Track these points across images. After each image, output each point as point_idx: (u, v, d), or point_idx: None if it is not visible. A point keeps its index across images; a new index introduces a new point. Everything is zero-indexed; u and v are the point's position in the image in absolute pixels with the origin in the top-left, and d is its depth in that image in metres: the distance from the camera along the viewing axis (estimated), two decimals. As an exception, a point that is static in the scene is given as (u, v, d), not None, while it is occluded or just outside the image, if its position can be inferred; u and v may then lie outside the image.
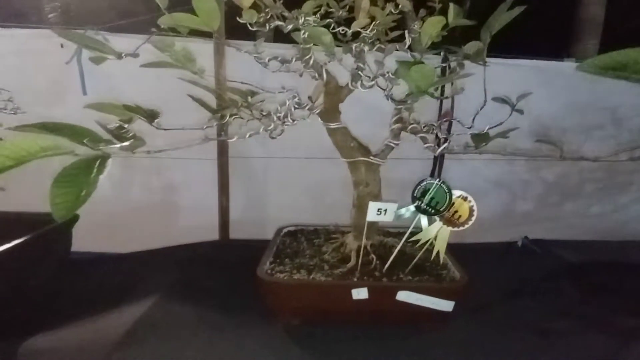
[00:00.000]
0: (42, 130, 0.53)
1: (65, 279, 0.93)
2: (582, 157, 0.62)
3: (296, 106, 0.75)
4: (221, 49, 1.13)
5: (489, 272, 0.95)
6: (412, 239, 0.76)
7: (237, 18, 0.68)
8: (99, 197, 0.52)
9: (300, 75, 0.77)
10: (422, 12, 0.76)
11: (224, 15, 0.97)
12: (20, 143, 0.46)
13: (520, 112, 0.78)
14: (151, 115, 0.72)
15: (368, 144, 0.84)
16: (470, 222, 0.73)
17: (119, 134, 0.61)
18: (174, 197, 1.30)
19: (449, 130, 1.05)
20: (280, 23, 0.68)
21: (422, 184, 0.72)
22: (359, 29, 0.67)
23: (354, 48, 0.73)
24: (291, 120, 0.72)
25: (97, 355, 0.64)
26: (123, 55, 0.69)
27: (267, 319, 0.74)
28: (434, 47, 0.75)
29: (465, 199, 0.73)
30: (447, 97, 1.14)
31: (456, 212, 0.73)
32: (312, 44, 0.69)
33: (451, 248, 0.79)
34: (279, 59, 0.74)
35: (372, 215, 0.72)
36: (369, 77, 0.68)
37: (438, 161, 1.36)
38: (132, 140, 0.57)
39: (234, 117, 0.77)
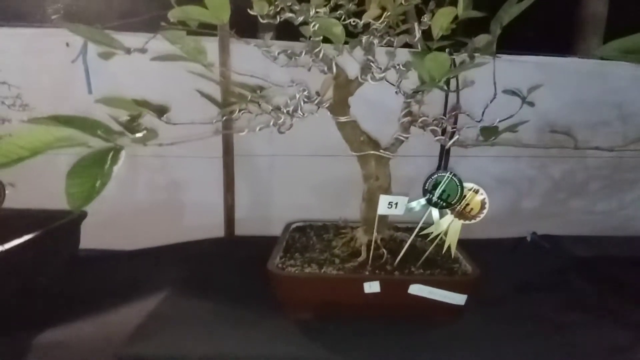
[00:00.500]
0: (55, 122, 0.53)
1: (74, 275, 0.93)
2: (598, 147, 0.61)
3: (305, 100, 0.74)
4: (226, 47, 1.13)
5: (499, 267, 0.94)
6: (423, 232, 0.76)
7: (248, 10, 0.67)
8: (105, 195, 0.51)
9: (309, 69, 0.77)
10: (432, 4, 0.76)
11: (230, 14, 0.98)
12: (35, 133, 0.46)
13: (532, 104, 0.77)
14: (160, 110, 0.72)
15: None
16: (482, 215, 0.72)
17: (130, 127, 0.61)
18: (180, 195, 1.30)
19: (456, 124, 1.05)
20: (290, 15, 0.67)
21: (433, 177, 0.72)
22: (369, 20, 0.66)
23: (363, 41, 0.73)
24: (301, 114, 0.72)
25: (109, 349, 0.63)
26: (132, 49, 0.69)
27: (279, 313, 0.73)
28: (443, 39, 0.75)
29: (476, 191, 0.72)
30: (453, 91, 1.14)
31: (467, 205, 0.72)
32: (321, 37, 0.69)
33: (460, 243, 0.78)
34: (288, 52, 0.74)
35: (383, 208, 0.72)
36: (380, 68, 0.67)
37: (444, 158, 1.35)
38: (144, 132, 0.57)
39: (242, 111, 0.77)
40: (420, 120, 0.76)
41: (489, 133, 0.76)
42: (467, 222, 0.73)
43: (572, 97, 1.29)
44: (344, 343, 0.67)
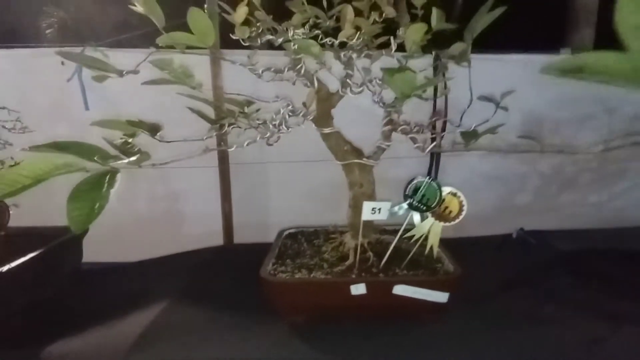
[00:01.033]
0: (54, 149, 0.57)
1: (78, 288, 0.97)
2: (561, 150, 0.65)
3: (290, 114, 0.78)
4: (217, 61, 1.18)
5: (485, 264, 0.98)
6: (407, 235, 0.80)
7: (230, 35, 0.72)
8: (105, 209, 0.56)
9: (293, 83, 0.81)
10: (407, 18, 0.80)
11: (218, 25, 1.02)
12: (37, 163, 0.50)
13: (505, 109, 0.81)
14: (153, 129, 0.76)
15: (363, 145, 0.88)
16: (461, 217, 0.76)
17: (125, 149, 0.65)
18: (178, 206, 1.34)
19: (443, 129, 1.08)
20: (271, 37, 0.72)
21: (413, 182, 0.76)
22: (345, 39, 0.70)
23: (342, 56, 0.78)
24: (286, 128, 0.76)
25: (115, 358, 0.68)
26: (124, 72, 0.74)
27: (274, 317, 0.77)
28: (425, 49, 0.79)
29: (454, 194, 0.76)
30: (438, 97, 1.18)
31: (447, 207, 0.76)
32: (302, 55, 0.74)
33: (449, 242, 0.83)
34: (272, 69, 0.78)
35: (367, 214, 0.76)
36: (357, 84, 0.71)
37: (434, 159, 1.39)
38: (138, 155, 0.61)
39: (232, 126, 0.81)
40: (400, 128, 0.80)
41: (469, 136, 0.80)
42: (447, 224, 0.77)
43: (557, 94, 1.33)
44: (334, 344, 0.71)
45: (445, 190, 0.76)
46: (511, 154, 1.42)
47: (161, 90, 0.90)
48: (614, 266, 0.97)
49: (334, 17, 0.78)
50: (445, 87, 1.12)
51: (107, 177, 0.56)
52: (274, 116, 0.78)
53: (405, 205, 0.77)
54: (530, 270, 0.98)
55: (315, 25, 0.79)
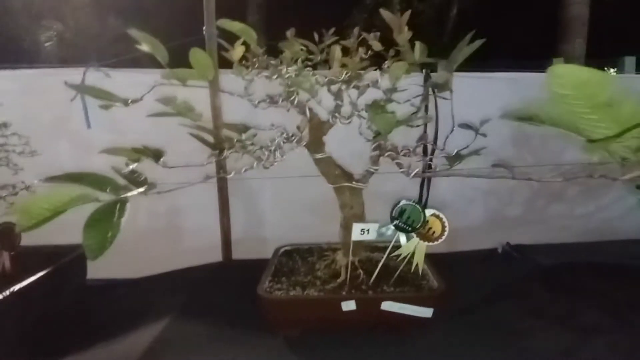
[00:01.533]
0: (68, 180, 0.63)
1: (83, 303, 1.02)
2: (530, 177, 0.71)
3: (285, 141, 0.84)
4: (216, 92, 1.24)
5: (470, 279, 1.04)
6: (394, 253, 0.86)
7: (229, 70, 0.78)
8: None
9: (288, 110, 0.87)
10: (392, 52, 0.87)
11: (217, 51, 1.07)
12: (55, 196, 0.56)
13: (484, 135, 0.87)
14: (157, 155, 0.82)
15: (360, 158, 0.93)
16: (444, 237, 0.82)
17: (132, 178, 0.71)
18: (178, 221, 1.39)
19: (427, 152, 1.15)
20: (266, 74, 0.78)
21: (398, 205, 0.82)
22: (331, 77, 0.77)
23: (332, 88, 0.84)
24: (280, 156, 0.82)
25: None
26: (129, 102, 0.80)
27: (270, 332, 0.82)
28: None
29: (437, 216, 0.82)
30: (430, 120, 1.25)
31: (430, 228, 0.82)
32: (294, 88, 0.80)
33: (438, 256, 0.88)
34: (267, 101, 0.84)
35: (356, 235, 0.82)
36: (345, 116, 0.78)
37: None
38: (146, 185, 0.67)
39: (230, 151, 0.87)
40: (386, 154, 0.86)
41: (454, 159, 0.86)
42: (430, 243, 0.83)
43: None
44: (326, 356, 0.76)
45: (429, 212, 0.82)
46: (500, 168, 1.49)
47: (163, 109, 0.96)
48: (592, 280, 1.03)
49: (324, 52, 0.85)
50: (427, 115, 1.19)
51: (118, 206, 0.62)
52: (270, 143, 0.84)
53: (392, 227, 0.82)
54: (513, 285, 1.04)
55: (307, 59, 0.85)
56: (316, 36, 0.85)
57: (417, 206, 0.81)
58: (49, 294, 0.97)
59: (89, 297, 1.07)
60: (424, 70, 1.24)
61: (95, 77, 1.23)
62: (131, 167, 0.76)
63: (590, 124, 0.38)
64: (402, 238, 0.84)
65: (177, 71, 0.76)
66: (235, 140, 0.86)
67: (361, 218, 0.89)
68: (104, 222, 0.57)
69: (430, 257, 0.87)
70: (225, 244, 1.39)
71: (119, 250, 1.20)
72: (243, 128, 0.88)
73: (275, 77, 0.77)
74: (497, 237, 1.40)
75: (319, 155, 0.88)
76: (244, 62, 0.81)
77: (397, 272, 0.85)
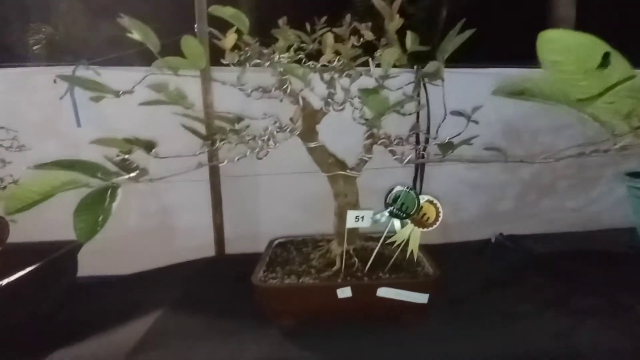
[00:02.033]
0: (58, 167, 0.62)
1: (75, 300, 1.00)
2: (522, 160, 0.72)
3: (278, 130, 0.84)
4: (208, 79, 1.24)
5: (465, 268, 1.05)
6: (389, 241, 0.86)
7: (221, 60, 0.78)
8: None
9: (281, 100, 0.87)
10: (384, 40, 0.87)
11: (209, 46, 1.07)
12: (45, 180, 0.55)
13: (476, 122, 0.88)
14: (149, 146, 0.81)
15: (354, 150, 0.92)
16: (438, 223, 0.82)
17: (123, 166, 0.70)
18: (170, 219, 1.38)
19: (419, 141, 1.15)
20: (258, 61, 0.78)
21: (392, 192, 0.82)
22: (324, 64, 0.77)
23: (324, 76, 0.84)
24: (274, 144, 0.81)
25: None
26: (120, 93, 0.79)
27: (265, 322, 0.82)
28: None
29: (431, 202, 0.83)
30: (414, 113, 1.26)
31: (425, 214, 0.82)
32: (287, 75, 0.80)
33: (433, 247, 0.88)
34: (260, 89, 0.84)
35: (351, 222, 0.82)
36: (338, 102, 0.78)
37: (419, 168, 1.46)
38: (137, 171, 0.66)
39: (223, 142, 0.86)
40: (380, 141, 0.86)
41: (446, 148, 0.86)
42: (425, 229, 0.83)
43: (534, 105, 1.41)
44: (323, 344, 0.76)
45: (423, 198, 0.82)
46: (493, 162, 1.51)
47: (151, 107, 0.95)
48: (579, 266, 1.04)
49: (317, 41, 0.85)
50: (419, 104, 1.19)
51: (109, 191, 0.61)
52: (263, 132, 0.84)
53: (386, 213, 0.83)
54: (507, 272, 1.05)
55: (300, 48, 0.85)
56: (308, 27, 0.86)
57: (412, 192, 0.81)
58: (39, 291, 0.95)
59: (80, 293, 1.05)
60: (415, 67, 1.25)
61: (85, 75, 1.22)
62: (123, 156, 0.75)
63: (582, 92, 0.39)
64: (397, 224, 0.84)
65: (169, 59, 0.75)
66: (228, 129, 0.85)
67: (355, 206, 0.89)
68: (95, 206, 0.56)
69: (424, 247, 0.88)
70: (218, 241, 1.39)
71: (110, 248, 1.19)
72: (235, 119, 0.88)
73: (267, 64, 0.77)
74: (489, 229, 1.41)
75: (312, 144, 0.88)
76: (236, 51, 0.81)
77: (392, 260, 0.85)
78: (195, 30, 1.21)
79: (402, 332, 0.79)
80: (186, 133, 0.84)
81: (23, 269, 0.89)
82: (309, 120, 0.87)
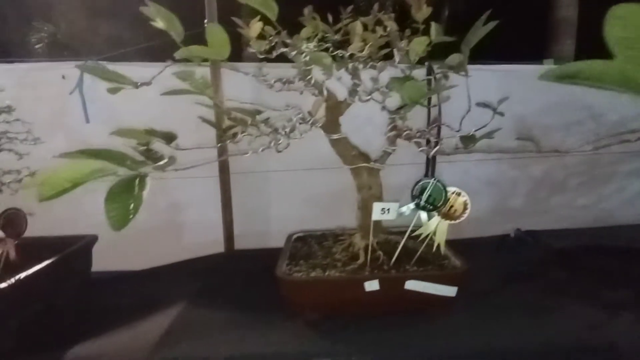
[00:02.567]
0: (85, 156, 0.61)
1: (91, 294, 0.99)
2: (556, 150, 0.71)
3: (301, 121, 0.83)
4: (217, 73, 1.22)
5: (487, 262, 1.03)
6: (414, 234, 0.84)
7: (246, 48, 0.76)
8: None
9: (301, 93, 0.85)
10: (408, 31, 0.86)
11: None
12: (75, 167, 0.53)
13: (502, 114, 0.87)
14: (169, 138, 0.79)
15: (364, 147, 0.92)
16: (465, 215, 0.81)
17: (148, 155, 0.69)
18: (181, 215, 1.36)
19: (438, 134, 1.14)
20: (284, 50, 0.76)
21: (419, 183, 0.81)
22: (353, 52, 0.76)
23: (349, 67, 0.83)
24: (299, 134, 0.80)
25: (139, 357, 0.69)
26: (139, 84, 0.77)
27: (289, 315, 0.80)
28: (419, 61, 0.85)
29: (459, 194, 0.81)
30: (435, 106, 1.24)
31: (452, 207, 0.81)
32: (312, 66, 0.78)
33: (450, 243, 0.87)
34: (283, 80, 0.83)
35: (377, 214, 0.80)
36: (365, 92, 0.76)
37: (431, 165, 1.45)
38: (165, 160, 0.64)
39: (244, 134, 0.85)
40: (404, 133, 0.85)
41: (468, 141, 0.85)
42: (452, 222, 0.82)
43: (544, 101, 1.40)
44: (349, 337, 0.74)
45: (450, 190, 0.81)
46: (504, 159, 1.49)
47: (160, 103, 0.94)
48: (601, 260, 1.03)
49: (341, 31, 0.84)
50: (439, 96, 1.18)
51: (137, 180, 0.59)
52: (286, 124, 0.83)
53: (412, 206, 0.81)
54: (529, 266, 1.03)
55: (323, 39, 0.84)
56: (330, 18, 0.84)
57: (439, 184, 0.80)
58: (54, 285, 0.94)
59: (95, 288, 1.03)
60: (426, 63, 1.24)
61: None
62: (147, 146, 0.74)
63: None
64: (423, 217, 0.82)
65: (192, 48, 0.74)
66: (249, 122, 0.84)
67: (379, 199, 0.87)
68: (125, 194, 0.55)
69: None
70: (228, 238, 1.37)
71: (120, 244, 1.18)
72: (255, 112, 0.86)
73: (294, 53, 0.75)
74: (501, 226, 1.39)
75: (335, 136, 0.86)
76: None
77: (418, 253, 0.84)
78: (206, 26, 1.20)
79: (430, 324, 0.78)
80: (196, 129, 0.82)
81: (39, 262, 0.88)
82: (333, 112, 0.86)
